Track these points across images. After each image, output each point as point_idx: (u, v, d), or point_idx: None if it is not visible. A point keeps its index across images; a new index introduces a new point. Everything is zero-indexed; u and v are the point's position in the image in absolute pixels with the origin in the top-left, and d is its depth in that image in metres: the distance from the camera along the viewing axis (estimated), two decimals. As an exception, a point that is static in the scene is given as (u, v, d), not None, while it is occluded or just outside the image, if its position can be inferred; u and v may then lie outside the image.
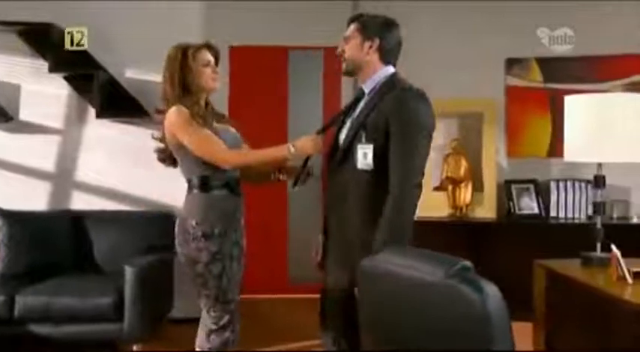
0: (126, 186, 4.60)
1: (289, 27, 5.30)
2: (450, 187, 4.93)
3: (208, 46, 2.77)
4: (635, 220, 4.76)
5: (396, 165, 2.34)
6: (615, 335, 2.49)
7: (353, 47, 2.50)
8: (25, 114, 4.58)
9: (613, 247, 2.59)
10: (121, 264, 3.75)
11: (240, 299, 2.79)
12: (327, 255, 2.60)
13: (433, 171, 4.89)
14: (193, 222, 2.65)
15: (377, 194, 2.36)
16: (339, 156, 2.49)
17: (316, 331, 2.68)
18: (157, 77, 2.78)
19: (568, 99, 3.08)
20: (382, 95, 2.44)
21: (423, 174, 2.40)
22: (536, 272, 3.04)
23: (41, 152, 4.58)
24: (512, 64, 5.11)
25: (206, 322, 2.74)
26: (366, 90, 2.52)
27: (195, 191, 2.69)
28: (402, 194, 2.32)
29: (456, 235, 4.66)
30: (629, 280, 2.53)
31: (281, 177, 2.80)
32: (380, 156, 2.37)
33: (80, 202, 4.55)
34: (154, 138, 2.80)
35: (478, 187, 4.93)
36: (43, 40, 4.33)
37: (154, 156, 2.83)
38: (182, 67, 2.67)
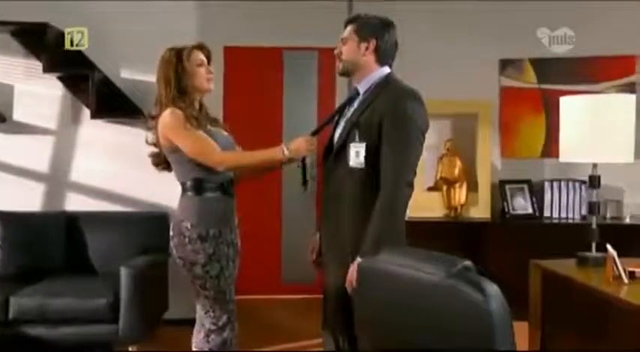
0: (121, 186, 4.58)
1: (284, 27, 5.29)
2: (444, 188, 4.95)
3: (200, 47, 2.79)
4: (627, 220, 4.79)
5: (389, 163, 2.36)
6: (611, 335, 2.51)
7: (350, 49, 2.52)
8: (18, 115, 4.56)
9: (609, 247, 2.60)
10: (116, 265, 3.74)
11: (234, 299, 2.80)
12: (324, 253, 2.62)
13: (428, 171, 4.90)
14: (188, 225, 2.66)
15: (370, 192, 2.38)
16: (333, 156, 2.51)
17: (310, 331, 2.68)
18: (152, 77, 2.79)
19: (564, 100, 3.09)
20: (376, 95, 2.45)
21: (415, 173, 2.42)
22: (532, 272, 3.06)
23: (35, 153, 4.56)
24: (506, 65, 5.13)
25: (204, 322, 2.74)
26: (361, 90, 2.53)
27: (190, 193, 2.69)
28: (394, 191, 2.34)
29: (450, 235, 4.67)
30: (625, 280, 2.55)
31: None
32: (373, 155, 2.39)
33: (75, 203, 4.53)
34: (147, 142, 2.80)
35: (472, 188, 4.95)
36: (37, 40, 4.30)
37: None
38: (177, 68, 2.68)
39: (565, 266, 2.90)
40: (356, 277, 2.27)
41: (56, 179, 4.59)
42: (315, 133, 2.63)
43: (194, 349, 2.77)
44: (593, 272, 2.78)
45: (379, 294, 1.67)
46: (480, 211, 4.92)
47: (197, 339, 2.76)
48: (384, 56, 2.52)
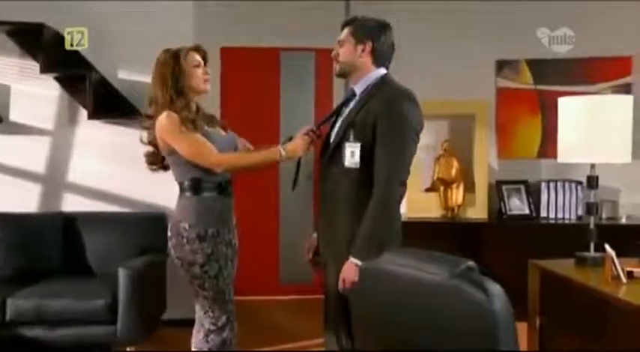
0: (118, 187, 4.57)
1: (281, 28, 5.29)
2: (441, 188, 4.95)
3: (197, 49, 2.79)
4: (623, 221, 4.81)
5: (383, 162, 2.38)
6: (610, 335, 2.52)
7: (346, 51, 2.54)
8: (15, 116, 4.54)
9: (607, 247, 2.61)
10: (114, 265, 3.72)
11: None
12: (322, 251, 2.63)
13: (425, 172, 4.91)
14: (186, 225, 2.67)
15: (365, 192, 2.40)
16: (329, 155, 2.53)
17: (308, 332, 2.68)
18: (149, 78, 2.78)
19: (562, 101, 3.10)
20: (371, 95, 2.48)
21: (408, 172, 2.45)
22: (530, 272, 3.06)
23: (32, 153, 4.54)
24: (502, 65, 5.14)
25: (203, 322, 2.74)
26: (358, 91, 2.56)
27: (187, 194, 2.70)
28: (387, 190, 2.37)
29: (447, 236, 4.68)
30: (624, 279, 2.56)
31: None
32: (368, 155, 2.41)
33: (72, 204, 4.52)
34: (142, 142, 2.80)
35: (469, 188, 4.96)
36: (34, 41, 4.28)
37: (146, 156, 2.85)
38: (174, 69, 2.68)
39: (563, 267, 2.91)
40: (350, 276, 2.29)
41: (53, 180, 4.57)
42: (318, 127, 2.66)
43: (193, 349, 2.78)
44: (591, 272, 2.79)
45: (380, 294, 1.67)
46: (477, 212, 4.93)
47: (196, 339, 2.77)
48: (380, 58, 2.55)
